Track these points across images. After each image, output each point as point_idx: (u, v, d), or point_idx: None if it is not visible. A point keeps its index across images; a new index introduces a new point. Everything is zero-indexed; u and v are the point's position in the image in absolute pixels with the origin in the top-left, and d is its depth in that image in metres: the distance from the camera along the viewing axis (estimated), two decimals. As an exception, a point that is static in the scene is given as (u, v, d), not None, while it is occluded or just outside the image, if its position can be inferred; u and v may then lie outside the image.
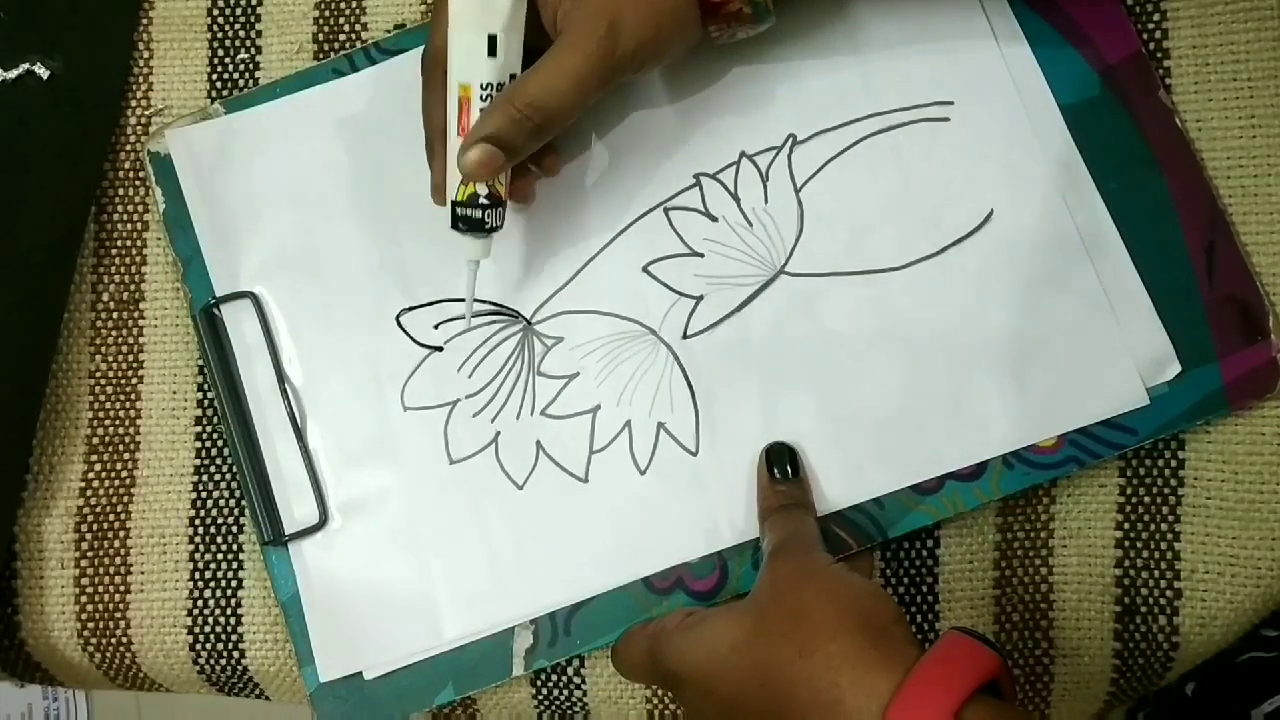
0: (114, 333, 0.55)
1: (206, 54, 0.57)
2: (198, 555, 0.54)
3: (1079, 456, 0.50)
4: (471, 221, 0.47)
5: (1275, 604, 0.51)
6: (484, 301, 0.53)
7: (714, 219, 0.53)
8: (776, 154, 0.53)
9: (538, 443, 0.52)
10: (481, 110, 0.45)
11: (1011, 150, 0.52)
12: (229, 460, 0.54)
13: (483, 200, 0.47)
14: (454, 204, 0.47)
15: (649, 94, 0.53)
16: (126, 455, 0.55)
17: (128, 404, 0.55)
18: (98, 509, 0.54)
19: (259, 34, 0.57)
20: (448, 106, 0.46)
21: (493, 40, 0.45)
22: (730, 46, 0.50)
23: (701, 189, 0.53)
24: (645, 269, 0.53)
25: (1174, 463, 0.51)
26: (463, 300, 0.51)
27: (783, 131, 0.53)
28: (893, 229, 0.52)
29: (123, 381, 0.55)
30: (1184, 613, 0.51)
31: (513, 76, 0.46)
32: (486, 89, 0.45)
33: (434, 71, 0.48)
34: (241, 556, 0.54)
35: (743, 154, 0.53)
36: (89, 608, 0.54)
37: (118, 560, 0.54)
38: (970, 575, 0.52)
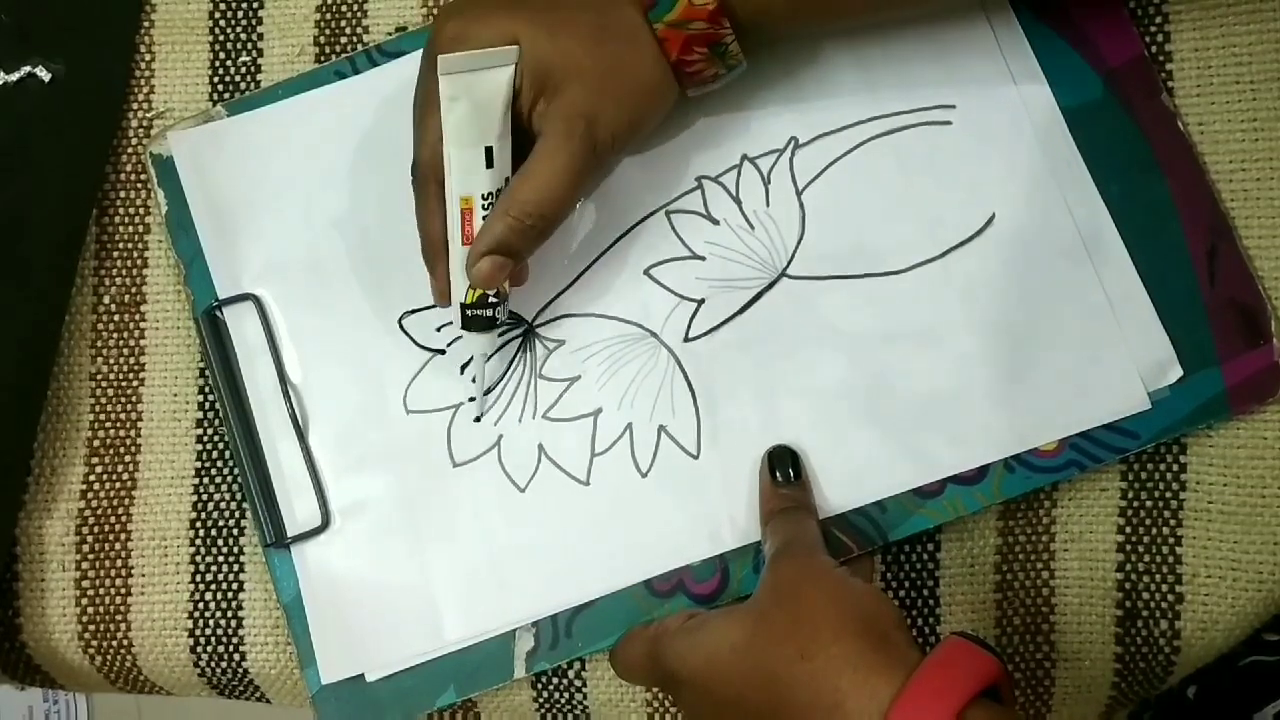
0: (115, 335, 0.55)
1: (208, 57, 0.57)
2: (199, 558, 0.54)
3: (1080, 460, 0.50)
4: (483, 321, 0.48)
5: (1277, 608, 0.50)
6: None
7: (715, 222, 0.53)
8: (778, 157, 0.53)
9: (539, 446, 0.52)
10: (484, 218, 0.46)
11: (1013, 153, 0.52)
12: (230, 463, 0.54)
13: (491, 299, 0.48)
14: (464, 307, 0.48)
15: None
16: (128, 457, 0.55)
17: (129, 406, 0.55)
18: (99, 511, 0.54)
19: (260, 37, 0.57)
20: (448, 217, 0.47)
21: (489, 151, 0.46)
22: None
23: (703, 192, 0.53)
24: (647, 272, 0.53)
25: (1175, 467, 0.51)
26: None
27: (785, 134, 0.53)
28: (894, 232, 0.52)
29: (124, 384, 0.55)
30: (1185, 617, 0.51)
31: (506, 180, 0.46)
32: (487, 198, 0.46)
33: (426, 184, 0.48)
34: (243, 559, 0.54)
35: (744, 157, 0.53)
36: (90, 610, 0.54)
37: (119, 563, 0.54)
38: (971, 579, 0.52)
